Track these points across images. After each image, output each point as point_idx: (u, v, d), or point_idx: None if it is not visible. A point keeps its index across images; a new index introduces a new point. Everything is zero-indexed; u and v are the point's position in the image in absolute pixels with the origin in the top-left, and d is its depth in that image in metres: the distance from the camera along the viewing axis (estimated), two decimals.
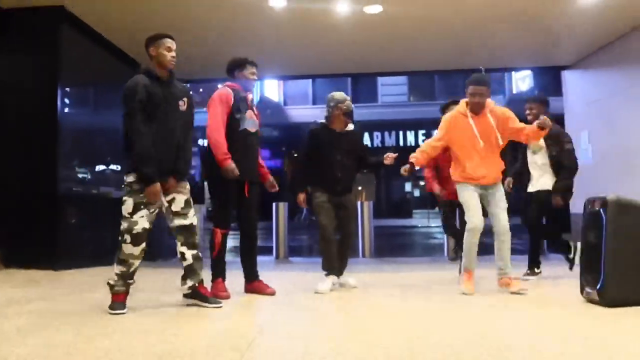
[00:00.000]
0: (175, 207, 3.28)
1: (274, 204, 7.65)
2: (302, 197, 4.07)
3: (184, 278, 3.36)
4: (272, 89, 22.34)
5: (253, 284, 3.86)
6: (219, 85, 3.95)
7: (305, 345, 2.41)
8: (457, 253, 4.93)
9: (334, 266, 4.04)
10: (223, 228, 3.74)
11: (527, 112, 4.52)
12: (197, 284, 3.35)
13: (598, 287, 3.17)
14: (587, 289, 3.31)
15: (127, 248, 3.13)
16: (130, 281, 3.29)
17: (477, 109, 3.79)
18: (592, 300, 3.25)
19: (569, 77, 7.91)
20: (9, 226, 5.26)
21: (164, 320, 2.98)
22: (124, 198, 3.17)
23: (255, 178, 3.87)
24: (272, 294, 3.78)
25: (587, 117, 7.29)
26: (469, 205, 3.79)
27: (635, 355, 2.15)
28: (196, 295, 3.35)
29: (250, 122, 3.78)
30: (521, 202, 4.65)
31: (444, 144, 3.93)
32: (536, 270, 4.59)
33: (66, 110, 5.66)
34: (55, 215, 5.31)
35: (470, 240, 3.78)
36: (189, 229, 3.30)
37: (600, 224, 3.22)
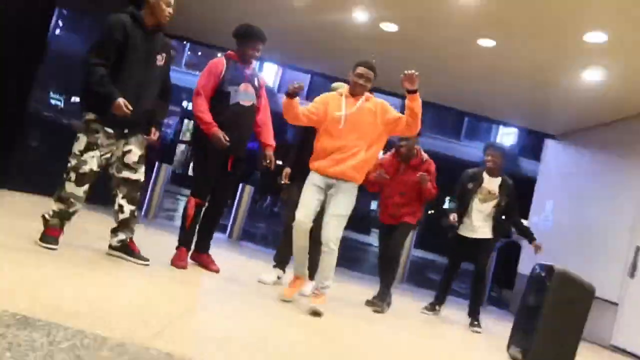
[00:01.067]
0: (128, 160, 3.18)
1: (241, 185, 7.60)
2: (287, 171, 3.99)
3: (115, 231, 3.25)
4: (269, 72, 22.21)
5: (202, 255, 3.79)
6: (219, 54, 3.89)
7: (234, 325, 2.40)
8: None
9: (284, 261, 4.03)
10: (199, 198, 3.66)
11: (488, 158, 4.56)
12: (128, 239, 3.28)
13: (525, 347, 3.27)
14: (513, 347, 3.41)
15: (70, 186, 3.02)
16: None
17: (357, 92, 3.36)
18: (515, 358, 3.35)
19: (550, 146, 8.14)
20: None
21: (102, 272, 2.91)
22: (78, 135, 3.05)
23: (242, 154, 3.78)
24: (216, 271, 3.73)
25: (557, 188, 7.52)
26: (302, 200, 3.31)
27: None
28: (124, 250, 3.26)
29: (244, 94, 3.66)
30: (450, 241, 4.65)
31: (313, 114, 3.35)
32: (437, 307, 4.66)
33: (57, 31, 5.48)
34: (15, 134, 5.12)
35: (294, 236, 3.35)
36: (134, 184, 3.23)
37: (542, 290, 3.33)
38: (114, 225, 3.25)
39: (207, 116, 3.56)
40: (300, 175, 3.81)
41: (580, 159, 7.29)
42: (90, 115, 3.04)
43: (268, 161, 3.80)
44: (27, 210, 4.26)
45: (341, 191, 3.26)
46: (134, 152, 3.20)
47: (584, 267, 5.56)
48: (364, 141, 3.28)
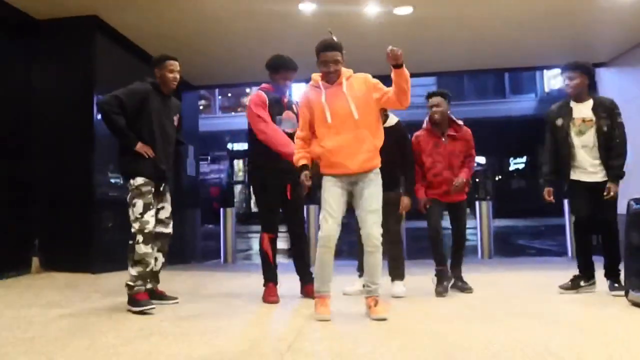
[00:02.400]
0: (162, 215, 3.57)
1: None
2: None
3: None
4: (300, 93, 22.43)
5: (308, 287, 3.75)
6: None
7: (340, 347, 2.39)
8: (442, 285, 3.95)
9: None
10: (270, 232, 3.73)
11: (567, 82, 3.81)
12: (154, 288, 3.58)
13: None
14: (632, 292, 3.20)
15: (141, 248, 3.30)
16: (152, 285, 3.52)
17: (331, 79, 3.11)
18: (637, 304, 3.14)
19: (604, 75, 7.68)
20: (48, 231, 5.41)
21: (202, 322, 3.00)
22: (134, 201, 3.36)
23: (296, 179, 3.83)
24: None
25: (625, 115, 7.02)
26: (328, 208, 3.07)
27: None
28: (153, 296, 3.47)
29: (288, 123, 3.73)
30: (570, 193, 3.85)
31: (310, 132, 3.20)
32: (582, 282, 3.78)
33: (100, 117, 5.78)
34: (91, 219, 5.45)
35: (321, 254, 3.08)
36: (167, 237, 3.62)
37: None
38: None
39: (288, 142, 3.55)
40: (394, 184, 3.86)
41: (639, 79, 6.82)
42: (139, 180, 3.37)
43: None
44: (123, 287, 4.48)
45: (366, 186, 3.06)
46: (167, 208, 3.61)
47: None
48: (365, 127, 3.05)
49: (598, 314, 3.12)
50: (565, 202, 6.80)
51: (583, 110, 3.77)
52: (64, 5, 5.30)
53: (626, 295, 3.29)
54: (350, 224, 3.38)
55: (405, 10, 5.55)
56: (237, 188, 24.01)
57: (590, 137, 3.73)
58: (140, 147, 3.37)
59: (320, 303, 3.11)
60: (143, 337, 2.62)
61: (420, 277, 3.94)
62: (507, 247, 10.03)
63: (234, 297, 3.98)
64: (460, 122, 4.04)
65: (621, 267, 3.57)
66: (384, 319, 2.95)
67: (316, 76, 3.20)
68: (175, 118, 3.67)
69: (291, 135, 3.68)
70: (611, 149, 3.70)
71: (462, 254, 4.09)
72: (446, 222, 4.03)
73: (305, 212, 7.42)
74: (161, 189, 3.53)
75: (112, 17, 5.63)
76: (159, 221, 3.52)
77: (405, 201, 3.87)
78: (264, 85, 3.87)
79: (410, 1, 5.39)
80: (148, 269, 3.36)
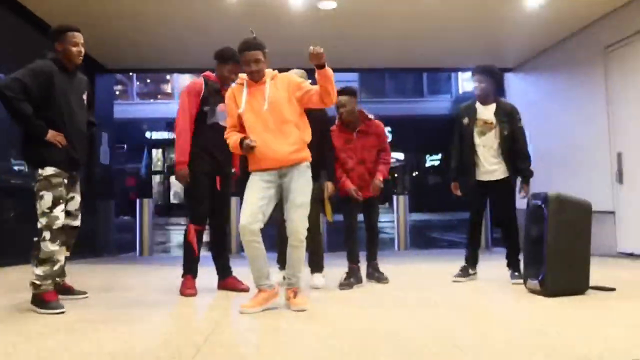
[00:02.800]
0: (70, 207, 3.25)
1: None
2: None
3: None
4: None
5: (227, 280, 3.75)
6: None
7: (257, 338, 2.40)
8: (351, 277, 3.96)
9: (284, 260, 3.99)
10: (197, 224, 3.62)
11: (476, 84, 4.05)
12: (62, 282, 3.36)
13: (540, 278, 3.34)
14: (530, 280, 3.48)
15: (47, 246, 3.01)
16: (59, 279, 3.25)
17: (254, 78, 3.11)
18: (534, 291, 3.42)
19: (511, 79, 8.25)
20: None
21: (113, 317, 2.87)
22: (41, 193, 3.02)
23: (227, 171, 3.76)
24: (246, 290, 3.63)
25: (528, 118, 7.55)
26: (246, 203, 3.06)
27: (574, 338, 2.29)
28: (62, 292, 3.28)
29: (220, 114, 3.60)
30: (467, 191, 4.11)
31: (238, 124, 3.18)
32: (470, 271, 4.13)
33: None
34: None
35: (245, 248, 3.07)
36: (74, 231, 3.32)
37: (542, 219, 3.39)
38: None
39: (184, 153, 3.55)
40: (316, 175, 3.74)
41: (542, 84, 7.43)
42: (49, 170, 3.04)
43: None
44: (25, 280, 4.17)
45: (292, 180, 3.07)
46: (76, 198, 3.31)
47: (574, 186, 5.70)
48: (289, 122, 3.07)
49: (499, 300, 3.37)
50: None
51: (486, 112, 4.03)
52: None
53: (525, 283, 3.58)
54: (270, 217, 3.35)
55: (329, 5, 5.61)
56: (156, 178, 23.12)
57: (490, 138, 3.99)
58: (51, 135, 3.02)
59: (255, 296, 3.07)
60: (47, 334, 2.47)
61: (341, 268, 4.03)
62: (422, 240, 10.53)
63: (149, 290, 3.85)
64: (371, 116, 4.08)
65: (520, 257, 3.90)
66: (304, 310, 2.98)
67: (243, 75, 3.19)
68: (84, 96, 3.33)
69: (222, 129, 3.50)
70: (517, 153, 4.00)
71: (375, 245, 4.19)
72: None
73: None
74: (74, 175, 3.24)
75: None
76: (67, 213, 3.18)
77: (330, 186, 3.90)
78: (207, 72, 3.74)
79: None
80: (56, 268, 3.05)
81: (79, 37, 3.20)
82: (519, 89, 8.06)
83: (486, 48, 7.15)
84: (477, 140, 4.03)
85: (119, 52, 7.05)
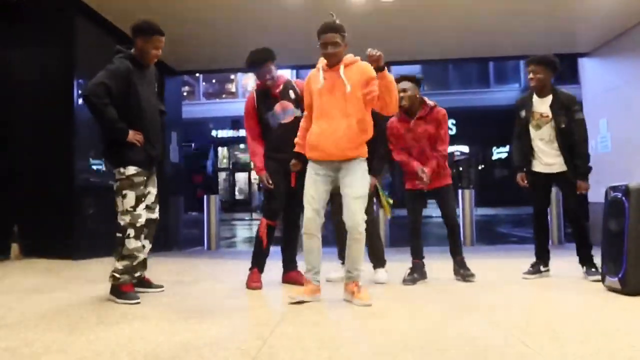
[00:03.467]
0: (147, 201, 3.33)
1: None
2: None
3: None
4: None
5: (290, 274, 3.84)
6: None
7: (324, 332, 2.41)
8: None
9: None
10: (270, 219, 3.71)
11: (531, 75, 3.86)
12: (142, 275, 3.45)
13: (620, 275, 3.13)
14: (609, 278, 3.27)
15: (131, 243, 3.14)
16: (140, 272, 3.37)
17: (330, 62, 3.06)
18: (613, 289, 3.21)
19: (586, 65, 7.78)
20: (27, 217, 5.32)
21: (184, 308, 2.99)
22: (124, 192, 3.13)
23: (302, 168, 3.79)
24: None
25: (606, 105, 7.17)
26: (305, 192, 3.10)
27: None
28: (142, 284, 3.41)
29: (281, 114, 3.69)
30: (529, 183, 3.95)
31: (310, 113, 3.19)
32: (542, 268, 3.96)
33: (81, 101, 5.68)
34: (72, 206, 5.37)
35: (303, 239, 3.13)
36: (154, 223, 3.40)
37: (622, 212, 3.17)
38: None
39: (258, 162, 3.71)
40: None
41: (621, 69, 6.92)
42: (131, 169, 3.15)
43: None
44: (106, 271, 4.45)
45: (349, 173, 3.03)
46: (152, 192, 3.40)
47: None
48: (355, 114, 3.00)
49: (574, 299, 3.19)
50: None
51: (542, 105, 3.86)
52: None
53: (603, 280, 3.36)
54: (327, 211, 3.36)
55: None
56: (222, 175, 23.88)
57: (547, 131, 3.83)
58: (131, 136, 3.13)
59: (304, 287, 3.15)
60: (125, 323, 2.61)
61: (405, 263, 3.97)
62: (489, 235, 10.17)
63: (217, 283, 3.98)
64: (431, 103, 3.90)
65: (593, 252, 3.71)
66: (369, 305, 2.96)
67: (322, 59, 3.14)
68: (155, 90, 3.42)
69: (293, 124, 3.60)
70: (572, 147, 3.80)
71: (456, 238, 3.98)
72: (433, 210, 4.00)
73: None
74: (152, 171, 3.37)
75: None
76: (146, 206, 3.30)
77: (371, 181, 3.84)
78: (256, 83, 3.85)
79: None
80: (135, 263, 3.19)
81: (162, 42, 3.25)
82: (595, 75, 7.58)
83: (557, 32, 6.77)
84: (534, 133, 3.89)
85: (186, 54, 7.32)
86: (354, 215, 3.00)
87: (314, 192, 3.08)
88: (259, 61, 3.66)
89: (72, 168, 5.39)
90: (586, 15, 6.23)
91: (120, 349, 2.16)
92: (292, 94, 3.76)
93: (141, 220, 3.16)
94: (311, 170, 3.12)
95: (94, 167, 5.97)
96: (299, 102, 3.70)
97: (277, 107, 3.69)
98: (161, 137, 3.41)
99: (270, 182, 3.65)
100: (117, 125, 3.10)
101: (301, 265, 3.85)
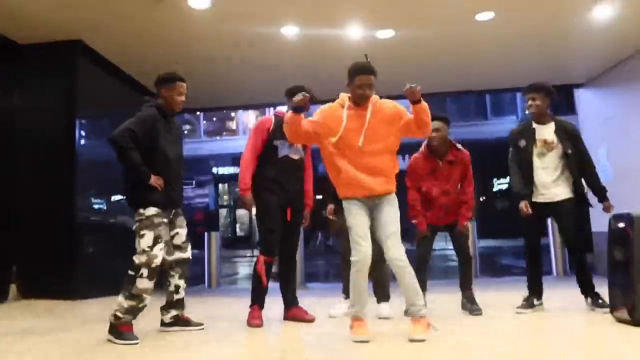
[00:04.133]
0: (177, 241, 3.39)
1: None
2: (331, 207, 4.08)
3: (168, 308, 3.43)
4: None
5: (292, 310, 3.76)
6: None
7: None
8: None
9: None
10: (268, 255, 3.67)
11: (530, 102, 3.85)
12: (180, 315, 3.45)
13: (629, 306, 3.07)
14: (618, 309, 3.20)
15: (143, 283, 3.09)
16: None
17: (361, 101, 3.07)
18: (622, 320, 3.14)
19: (582, 95, 7.87)
20: (27, 257, 5.28)
21: (184, 347, 2.93)
22: (143, 232, 3.15)
23: (298, 204, 3.80)
24: (312, 320, 3.66)
25: (604, 134, 7.21)
26: (356, 231, 3.00)
27: None
28: (179, 323, 3.43)
29: (293, 149, 3.72)
30: (523, 218, 3.85)
31: (313, 128, 3.08)
32: (536, 301, 3.86)
33: (83, 141, 5.74)
34: (72, 245, 5.33)
35: (356, 279, 2.99)
36: (186, 262, 3.43)
37: (626, 241, 3.14)
38: (163, 303, 3.44)
39: (246, 179, 3.66)
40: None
41: (617, 98, 7.00)
42: (152, 210, 3.19)
43: (304, 220, 3.87)
44: (106, 312, 4.37)
45: (385, 206, 3.04)
46: (181, 232, 3.42)
47: None
48: (386, 152, 3.06)
49: (589, 332, 3.11)
50: (549, 220, 6.87)
51: (545, 132, 3.82)
52: (47, 29, 5.28)
53: (612, 312, 3.30)
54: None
55: (387, 34, 5.64)
56: (223, 212, 23.83)
57: (552, 159, 3.79)
58: (153, 180, 3.20)
59: (358, 325, 3.02)
60: None
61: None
62: (492, 267, 10.05)
63: (218, 320, 3.90)
64: (459, 146, 3.98)
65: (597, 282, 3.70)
66: (422, 340, 2.86)
67: (344, 96, 3.15)
68: (178, 138, 3.54)
69: (295, 161, 3.72)
70: (587, 173, 3.82)
71: (467, 271, 3.98)
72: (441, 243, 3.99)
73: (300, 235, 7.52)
74: (171, 215, 3.38)
75: (96, 40, 5.62)
76: (175, 247, 3.37)
77: None
78: (278, 109, 3.90)
79: (391, 24, 5.49)
80: (141, 305, 3.12)
81: (184, 88, 3.41)
82: (591, 105, 7.65)
83: (552, 64, 6.86)
84: (537, 162, 3.81)
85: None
86: (392, 251, 2.99)
87: (360, 226, 3.01)
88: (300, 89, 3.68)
89: (72, 207, 5.38)
90: (580, 48, 6.34)
91: None
92: None
93: (157, 261, 3.13)
94: (353, 207, 3.05)
95: (95, 206, 5.97)
96: (304, 147, 3.82)
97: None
98: (182, 185, 3.50)
99: (251, 207, 3.64)
100: (140, 168, 3.18)
101: (304, 303, 3.79)
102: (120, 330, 3.06)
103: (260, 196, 3.68)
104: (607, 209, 3.78)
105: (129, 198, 3.33)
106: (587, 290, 3.76)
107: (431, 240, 3.96)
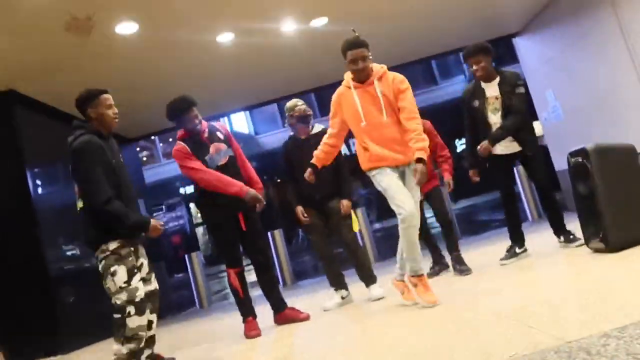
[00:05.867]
0: (142, 273, 3.03)
1: (269, 233, 7.61)
2: (299, 209, 3.98)
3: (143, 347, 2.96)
4: (240, 121, 22.35)
5: (283, 313, 3.73)
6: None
7: None
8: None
9: (339, 281, 3.98)
10: (234, 267, 3.63)
11: (474, 67, 3.88)
12: (153, 352, 3.10)
13: (601, 235, 3.18)
14: (592, 240, 3.32)
15: (134, 321, 2.80)
16: (149, 352, 3.07)
17: (361, 76, 3.12)
18: (599, 250, 3.26)
19: (520, 43, 8.06)
20: (6, 321, 5.09)
21: None
22: (113, 269, 2.82)
23: (246, 208, 3.70)
24: (307, 318, 3.65)
25: (548, 76, 7.42)
26: (394, 190, 3.02)
27: None
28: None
29: (217, 156, 3.62)
30: (492, 169, 4.00)
31: (339, 130, 3.29)
32: (517, 250, 3.95)
33: (39, 190, 5.56)
34: (50, 298, 5.17)
35: (408, 235, 3.02)
36: (155, 295, 3.10)
37: (587, 175, 3.25)
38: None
39: (230, 182, 3.52)
40: (307, 203, 3.96)
41: (554, 38, 7.18)
42: (114, 244, 2.86)
43: (259, 203, 3.65)
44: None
45: (409, 174, 3.09)
46: (145, 264, 3.09)
47: (613, 134, 5.47)
48: (399, 123, 3.06)
49: (565, 269, 3.22)
50: (516, 170, 7.04)
51: (493, 89, 3.90)
52: None
53: (587, 244, 3.41)
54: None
55: (320, 22, 5.64)
56: (199, 231, 23.54)
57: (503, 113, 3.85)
58: (154, 228, 2.94)
59: (422, 285, 3.04)
60: None
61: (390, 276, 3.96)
62: (471, 226, 10.26)
63: (217, 340, 3.88)
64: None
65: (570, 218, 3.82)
66: (434, 305, 2.93)
67: (348, 76, 3.19)
68: (122, 159, 3.17)
69: (228, 164, 3.62)
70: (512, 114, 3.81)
71: (451, 234, 4.17)
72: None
73: (269, 238, 7.50)
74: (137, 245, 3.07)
75: (29, 87, 5.44)
76: (142, 280, 2.99)
77: (345, 203, 3.91)
78: (180, 132, 3.71)
79: (324, 12, 5.49)
80: (142, 345, 2.84)
81: (111, 99, 3.07)
82: (531, 51, 7.85)
83: (486, 19, 7.00)
84: (493, 118, 3.88)
85: (135, 121, 7.26)
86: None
87: (396, 185, 3.02)
88: (185, 108, 3.61)
89: (42, 260, 5.20)
90: None
91: None
92: (220, 135, 3.73)
93: (139, 294, 2.82)
94: (384, 171, 3.07)
95: (68, 253, 5.80)
96: (227, 142, 3.71)
97: (212, 150, 3.62)
98: (138, 210, 3.21)
99: (261, 200, 3.55)
100: (140, 219, 2.95)
101: (294, 302, 3.79)
102: None
103: (206, 212, 3.67)
104: (484, 148, 3.81)
105: (87, 236, 2.97)
106: (558, 228, 3.90)
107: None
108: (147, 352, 3.07)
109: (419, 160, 2.94)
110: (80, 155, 2.89)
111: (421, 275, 3.07)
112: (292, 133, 4.14)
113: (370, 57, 3.11)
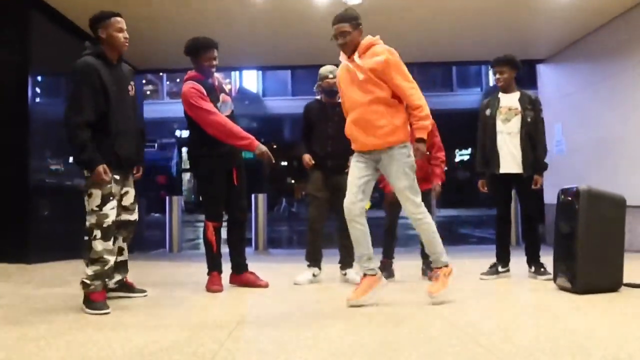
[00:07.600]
0: (126, 202, 3.19)
1: (253, 196, 7.62)
2: (307, 156, 3.95)
3: (111, 272, 3.12)
4: (250, 79, 22.17)
5: (243, 275, 3.73)
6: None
7: (282, 334, 2.41)
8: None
9: (316, 258, 3.98)
10: (215, 221, 3.61)
11: (497, 76, 4.00)
12: (124, 278, 3.32)
13: (570, 275, 3.24)
14: (560, 277, 3.39)
15: (98, 245, 2.91)
16: (119, 277, 3.24)
17: (346, 51, 3.04)
18: (564, 288, 3.33)
19: (543, 71, 8.04)
20: None
21: (141, 312, 2.94)
22: (90, 190, 2.92)
23: (241, 162, 3.71)
24: (266, 286, 3.66)
25: (561, 110, 7.43)
26: (348, 181, 3.08)
27: (604, 338, 2.21)
28: (123, 288, 3.32)
29: (224, 106, 3.58)
30: (491, 184, 4.03)
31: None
32: (500, 268, 4.01)
33: (37, 100, 5.51)
34: (27, 208, 5.18)
35: (349, 230, 3.09)
36: (132, 225, 3.27)
37: (573, 214, 3.29)
38: None
39: (241, 132, 3.43)
40: (317, 167, 3.90)
41: (576, 75, 7.19)
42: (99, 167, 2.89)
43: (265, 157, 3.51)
44: (61, 276, 4.30)
45: (387, 163, 2.99)
46: (130, 193, 3.22)
47: (610, 180, 5.52)
48: (379, 103, 2.94)
49: (527, 297, 3.29)
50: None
51: (510, 100, 3.98)
52: None
53: (554, 280, 3.48)
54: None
55: (354, 0, 5.57)
56: (186, 176, 23.52)
57: (515, 124, 3.91)
58: (98, 173, 2.86)
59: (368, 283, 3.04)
60: (77, 329, 2.54)
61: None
62: (450, 236, 10.37)
63: (177, 286, 3.91)
64: None
65: (546, 252, 3.84)
66: (443, 302, 2.97)
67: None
68: (131, 87, 3.13)
69: (230, 118, 3.56)
70: (536, 143, 3.92)
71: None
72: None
73: (252, 200, 7.52)
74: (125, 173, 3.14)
75: None
76: (123, 208, 3.14)
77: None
78: (191, 73, 3.59)
79: None
80: (107, 267, 2.94)
81: (123, 23, 3.05)
82: (551, 81, 7.84)
83: (516, 39, 6.97)
84: (501, 127, 3.93)
85: (148, 52, 7.17)
86: (405, 206, 3.04)
87: (353, 177, 3.06)
88: (208, 46, 3.53)
89: (26, 169, 5.20)
90: (543, 23, 6.46)
91: (71, 356, 2.10)
92: (226, 87, 3.72)
93: (108, 221, 2.91)
94: (354, 158, 3.11)
95: (52, 167, 5.78)
96: (231, 96, 3.71)
97: (222, 98, 3.58)
98: (136, 141, 3.19)
99: (270, 157, 3.42)
100: (87, 160, 2.88)
101: (259, 268, 3.82)
102: (91, 299, 2.92)
103: (201, 162, 3.58)
104: (536, 182, 3.91)
105: (75, 159, 3.02)
106: (532, 259, 3.98)
107: (397, 208, 4.01)
108: (117, 277, 3.24)
109: (419, 140, 2.96)
110: (73, 74, 2.94)
111: (365, 274, 3.08)
112: (318, 97, 4.12)
113: (355, 31, 3.00)
